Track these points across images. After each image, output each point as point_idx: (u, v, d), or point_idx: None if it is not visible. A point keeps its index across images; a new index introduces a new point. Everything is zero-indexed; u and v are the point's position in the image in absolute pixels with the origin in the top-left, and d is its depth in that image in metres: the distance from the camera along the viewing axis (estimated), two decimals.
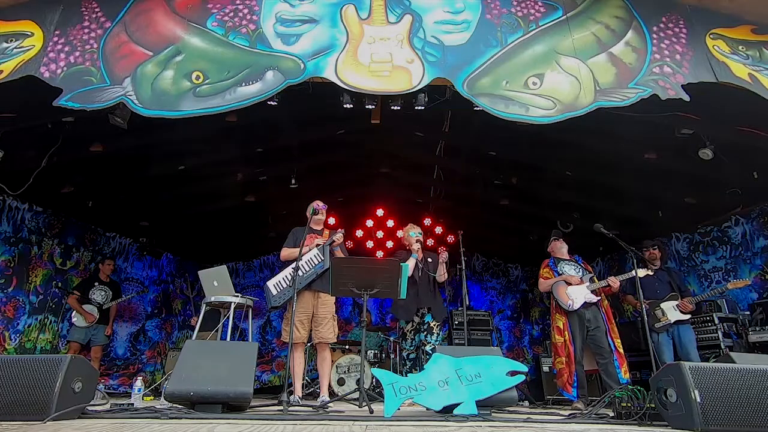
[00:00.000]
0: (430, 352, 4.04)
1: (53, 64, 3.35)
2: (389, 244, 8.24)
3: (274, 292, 3.77)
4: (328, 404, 3.28)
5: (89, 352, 5.51)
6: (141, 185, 5.71)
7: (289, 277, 3.67)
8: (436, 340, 4.17)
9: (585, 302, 4.09)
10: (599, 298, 4.16)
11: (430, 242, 8.21)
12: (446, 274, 4.36)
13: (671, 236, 6.21)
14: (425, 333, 4.19)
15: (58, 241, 5.94)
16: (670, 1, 3.72)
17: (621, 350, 4.05)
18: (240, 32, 3.50)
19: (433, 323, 4.19)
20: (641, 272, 4.04)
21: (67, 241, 6.08)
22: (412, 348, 4.25)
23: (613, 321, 4.20)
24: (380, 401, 2.81)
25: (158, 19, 3.55)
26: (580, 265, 4.45)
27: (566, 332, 4.13)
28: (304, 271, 3.75)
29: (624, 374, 3.93)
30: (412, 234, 4.44)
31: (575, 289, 4.17)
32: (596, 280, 4.21)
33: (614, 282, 4.10)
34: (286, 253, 3.90)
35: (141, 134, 4.48)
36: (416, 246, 4.32)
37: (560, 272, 4.34)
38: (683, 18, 3.64)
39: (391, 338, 6.05)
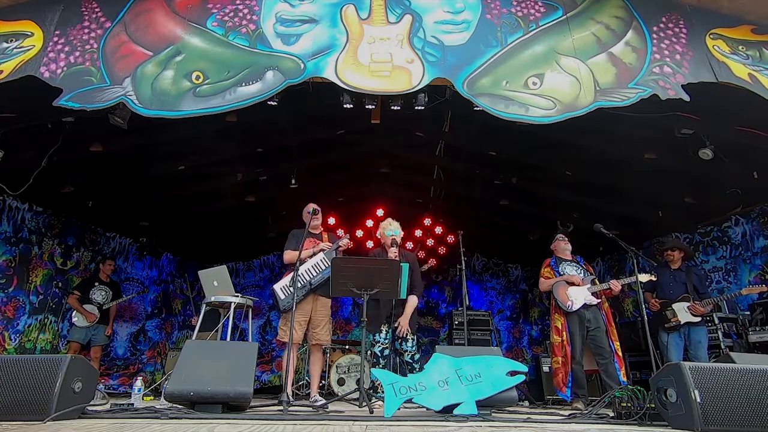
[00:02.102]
0: (409, 360, 3.95)
1: (53, 64, 3.35)
2: None
3: (282, 296, 3.78)
4: (328, 404, 3.28)
5: (89, 352, 5.52)
6: (141, 185, 5.71)
7: (297, 281, 3.68)
8: (412, 347, 3.95)
9: (585, 304, 4.08)
10: (599, 300, 4.14)
11: (429, 242, 8.22)
12: (419, 284, 4.01)
13: (671, 236, 6.21)
14: (399, 341, 3.96)
15: (59, 241, 5.94)
16: (670, 1, 3.72)
17: (620, 353, 4.04)
18: (240, 32, 3.50)
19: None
20: (644, 277, 4.04)
21: (68, 241, 6.08)
22: (386, 342, 3.92)
23: (613, 323, 4.19)
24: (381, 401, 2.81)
25: (158, 19, 3.55)
26: (581, 266, 4.42)
27: (564, 332, 4.12)
28: (311, 276, 3.79)
29: (623, 377, 3.91)
30: (388, 233, 4.08)
31: (575, 290, 4.16)
32: (597, 282, 4.19)
33: (615, 285, 4.07)
34: (289, 256, 3.89)
35: (141, 134, 4.48)
36: (392, 252, 3.93)
37: (561, 272, 4.32)
38: (683, 18, 3.64)
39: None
